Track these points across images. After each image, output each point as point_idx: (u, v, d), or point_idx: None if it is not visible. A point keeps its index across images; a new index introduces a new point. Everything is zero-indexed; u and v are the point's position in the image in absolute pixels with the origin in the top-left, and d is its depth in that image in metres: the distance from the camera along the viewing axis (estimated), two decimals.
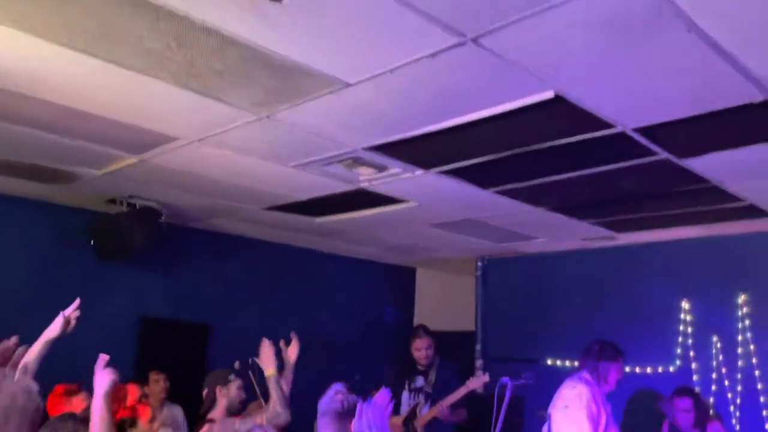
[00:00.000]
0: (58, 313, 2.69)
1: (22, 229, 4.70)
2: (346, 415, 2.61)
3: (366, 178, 3.75)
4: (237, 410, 3.46)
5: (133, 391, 3.64)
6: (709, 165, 3.24)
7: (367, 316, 6.78)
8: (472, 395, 4.50)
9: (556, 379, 5.28)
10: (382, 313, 6.95)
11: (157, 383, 4.31)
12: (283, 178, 3.79)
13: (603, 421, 3.41)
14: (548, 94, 2.45)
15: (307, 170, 3.63)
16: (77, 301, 2.61)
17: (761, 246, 4.63)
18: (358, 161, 3.43)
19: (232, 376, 3.53)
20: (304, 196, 4.24)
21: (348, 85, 2.46)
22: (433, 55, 2.20)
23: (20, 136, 3.27)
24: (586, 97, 2.49)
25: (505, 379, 3.29)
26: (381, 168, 3.54)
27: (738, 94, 2.35)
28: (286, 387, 3.67)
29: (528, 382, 3.36)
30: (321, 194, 4.15)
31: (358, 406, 2.23)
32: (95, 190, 4.31)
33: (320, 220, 4.96)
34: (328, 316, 6.29)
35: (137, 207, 4.47)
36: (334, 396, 2.64)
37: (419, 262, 6.97)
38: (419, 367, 4.72)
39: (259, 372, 3.58)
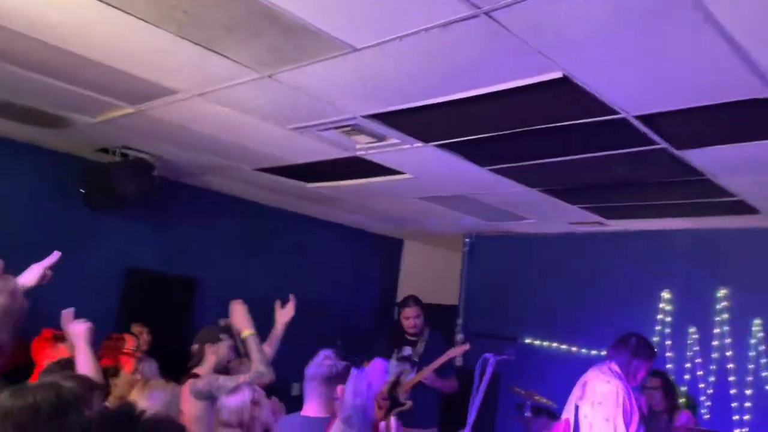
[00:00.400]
0: (44, 258, 2.65)
1: (11, 172, 4.63)
2: (333, 380, 2.65)
3: (363, 147, 3.73)
4: (223, 370, 3.49)
5: (130, 342, 3.66)
6: (706, 158, 3.26)
7: (353, 282, 6.82)
8: (458, 369, 4.58)
9: (532, 357, 5.42)
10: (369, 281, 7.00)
11: (140, 335, 4.32)
12: (279, 139, 3.76)
13: (635, 419, 3.42)
14: (556, 74, 2.44)
15: (305, 134, 3.60)
16: (56, 255, 2.55)
17: (745, 242, 4.70)
18: (356, 129, 3.40)
19: (224, 335, 3.54)
20: (298, 160, 4.22)
21: (355, 49, 2.43)
22: (444, 26, 2.18)
23: (16, 77, 3.21)
24: (593, 80, 2.48)
25: (487, 355, 3.34)
26: (380, 137, 3.52)
27: (744, 89, 2.36)
28: (270, 350, 3.69)
29: (510, 358, 3.41)
30: (316, 159, 4.13)
31: (352, 372, 2.25)
32: (88, 137, 4.25)
33: (312, 185, 4.94)
34: (313, 280, 6.32)
35: (130, 158, 4.42)
36: (322, 361, 2.67)
37: (408, 233, 7.00)
38: (408, 337, 4.78)
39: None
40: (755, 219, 4.38)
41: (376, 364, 2.34)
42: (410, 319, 4.73)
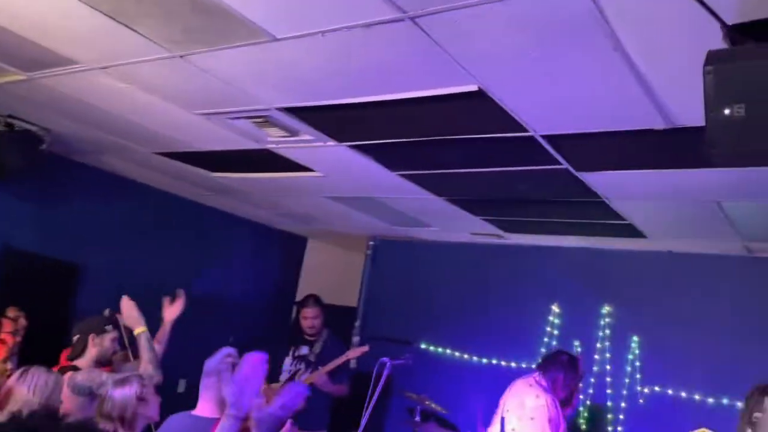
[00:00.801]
0: None
1: None
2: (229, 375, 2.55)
3: (275, 140, 3.64)
4: (106, 362, 3.28)
5: (6, 326, 3.36)
6: (603, 181, 3.43)
7: (252, 278, 6.65)
8: (353, 372, 4.56)
9: (427, 362, 5.51)
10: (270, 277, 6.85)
11: (17, 320, 3.98)
12: (185, 124, 3.59)
13: (561, 430, 3.50)
14: (472, 87, 2.48)
15: (213, 120, 3.46)
16: None
17: (629, 263, 5.00)
18: (269, 121, 3.31)
19: (109, 327, 3.33)
20: (204, 147, 4.05)
21: (275, 39, 2.35)
22: (367, 26, 2.15)
23: None
24: (507, 96, 2.54)
25: (384, 359, 3.35)
26: (293, 132, 3.44)
27: (644, 119, 2.50)
28: (159, 346, 3.51)
29: (407, 362, 3.44)
30: (223, 148, 3.99)
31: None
32: None
33: (217, 175, 4.77)
34: (210, 274, 6.10)
35: (15, 128, 4.08)
36: (223, 358, 2.56)
37: (312, 232, 6.93)
38: (306, 336, 4.71)
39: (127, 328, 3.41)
40: (641, 243, 4.68)
41: (253, 358, 2.28)
42: (308, 319, 4.67)
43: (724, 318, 4.53)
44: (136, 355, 3.36)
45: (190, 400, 2.72)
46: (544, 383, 3.59)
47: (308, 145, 3.60)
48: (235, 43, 2.45)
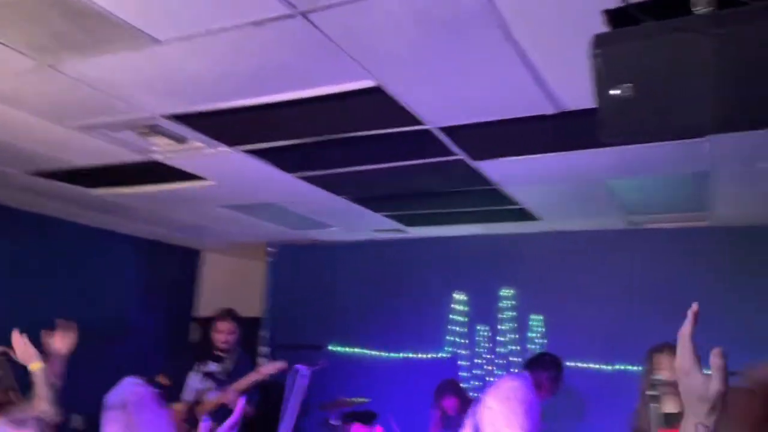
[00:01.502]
0: None
1: None
2: (137, 407, 2.38)
3: (161, 150, 3.43)
4: None
5: None
6: (497, 169, 3.54)
7: (145, 299, 6.28)
8: (265, 384, 4.37)
9: (339, 364, 5.45)
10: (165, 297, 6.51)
11: None
12: (60, 139, 3.31)
13: (536, 413, 3.47)
14: (368, 83, 2.45)
15: (92, 134, 3.21)
16: None
17: (526, 246, 5.22)
18: (154, 130, 3.11)
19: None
20: (82, 163, 3.75)
21: (156, 41, 2.20)
22: (258, 23, 2.06)
23: None
24: (403, 91, 2.54)
25: (298, 366, 3.26)
26: (180, 140, 3.26)
27: (534, 105, 2.59)
28: (57, 381, 3.20)
29: (323, 366, 3.37)
30: (104, 163, 3.71)
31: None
32: None
33: (99, 192, 4.44)
34: (98, 299, 5.70)
35: None
36: (131, 388, 2.39)
37: (207, 244, 6.65)
38: (216, 352, 4.42)
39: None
40: (536, 225, 4.89)
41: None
42: (223, 333, 4.38)
43: (614, 289, 4.84)
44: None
45: None
46: (529, 381, 3.62)
47: (198, 153, 3.43)
48: (111, 48, 2.28)
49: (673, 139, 2.90)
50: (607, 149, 3.06)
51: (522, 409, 3.34)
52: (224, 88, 2.57)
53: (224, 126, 3.04)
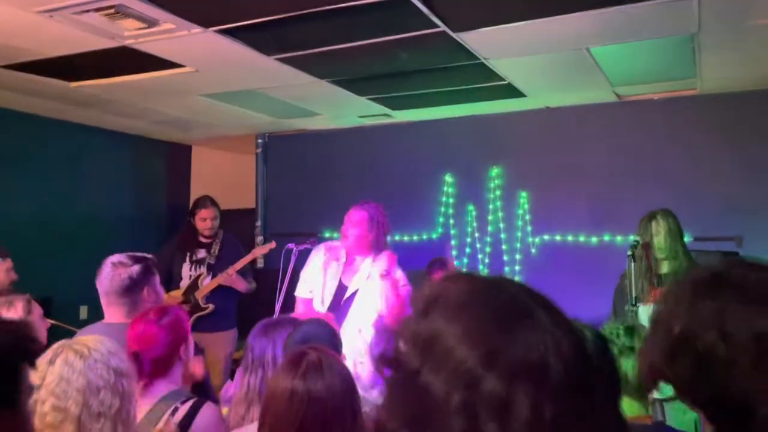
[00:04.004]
0: None
1: None
2: (133, 289, 2.43)
3: (132, 34, 3.32)
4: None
5: None
6: (479, 40, 3.44)
7: (139, 195, 6.34)
8: (260, 271, 4.55)
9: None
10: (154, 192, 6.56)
11: None
12: (25, 26, 3.19)
13: None
14: None
15: (56, 18, 3.09)
16: None
17: (513, 124, 5.19)
18: (122, 11, 3.00)
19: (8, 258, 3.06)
20: (52, 53, 3.64)
21: None
22: None
23: None
24: None
25: (290, 245, 3.36)
26: (151, 22, 3.15)
27: None
28: None
29: (312, 246, 3.46)
30: (75, 51, 3.60)
31: None
32: None
33: (77, 84, 4.35)
34: (91, 196, 5.74)
35: None
36: (113, 271, 2.42)
37: (195, 139, 6.61)
38: (202, 239, 4.61)
39: None
40: (522, 102, 4.83)
41: None
42: (207, 220, 4.56)
43: (600, 163, 4.87)
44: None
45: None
46: None
47: (171, 36, 3.32)
48: None
49: None
50: (590, 12, 2.96)
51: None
52: None
53: (194, 4, 2.92)
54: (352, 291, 3.30)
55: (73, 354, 1.55)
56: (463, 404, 0.62)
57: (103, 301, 2.49)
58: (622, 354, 1.81)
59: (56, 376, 1.50)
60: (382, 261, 3.28)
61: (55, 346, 1.59)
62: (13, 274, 3.65)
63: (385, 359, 0.70)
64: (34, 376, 1.24)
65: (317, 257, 3.41)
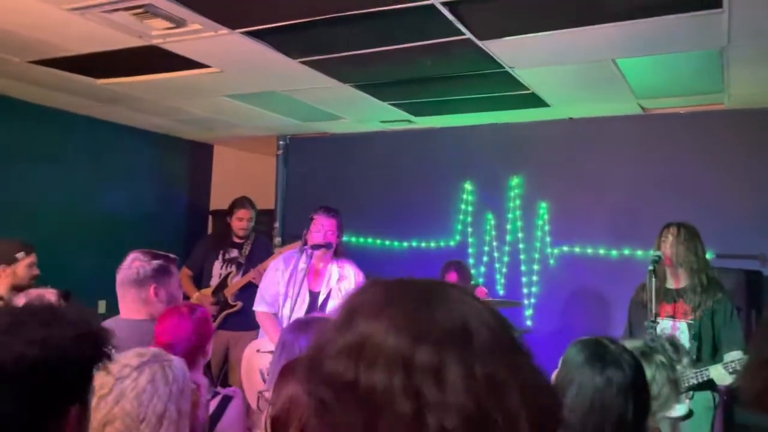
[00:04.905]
0: None
1: None
2: (143, 282, 2.48)
3: (160, 34, 3.36)
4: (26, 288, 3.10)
5: None
6: (505, 49, 3.43)
7: (161, 192, 6.40)
8: None
9: (350, 253, 5.59)
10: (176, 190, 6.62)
11: None
12: (56, 23, 3.25)
13: None
14: None
15: (87, 16, 3.14)
16: None
17: (535, 134, 5.16)
18: (151, 11, 3.04)
19: (21, 254, 3.11)
20: (82, 50, 3.70)
21: None
22: None
23: None
24: None
25: (306, 248, 3.38)
26: (179, 22, 3.18)
27: None
28: None
29: (329, 248, 3.48)
30: (104, 49, 3.66)
31: None
32: None
33: (104, 81, 4.41)
34: (114, 192, 5.81)
35: None
36: (130, 264, 2.48)
37: (218, 138, 6.67)
38: (235, 239, 4.73)
39: None
40: (545, 112, 4.80)
41: None
42: (243, 221, 4.73)
43: (623, 175, 4.82)
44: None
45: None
46: None
47: (198, 37, 3.36)
48: None
49: (687, 11, 2.78)
50: (617, 25, 2.94)
51: None
52: None
53: (221, 4, 2.95)
54: (325, 294, 3.49)
55: (161, 373, 1.58)
56: (404, 385, 0.67)
57: (118, 293, 2.53)
58: (663, 366, 1.84)
59: (139, 390, 1.52)
60: (349, 266, 3.64)
61: (147, 353, 1.63)
62: (35, 270, 3.65)
63: (319, 385, 0.72)
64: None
65: (275, 272, 3.60)
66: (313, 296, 3.51)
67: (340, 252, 3.62)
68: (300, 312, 3.41)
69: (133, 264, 2.46)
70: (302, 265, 3.47)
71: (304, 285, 3.45)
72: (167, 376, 1.59)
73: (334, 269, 3.58)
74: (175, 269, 2.58)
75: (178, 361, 1.68)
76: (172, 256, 2.59)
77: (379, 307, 0.74)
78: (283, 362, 2.11)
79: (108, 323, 2.44)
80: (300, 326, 2.17)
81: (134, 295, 2.46)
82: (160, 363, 1.63)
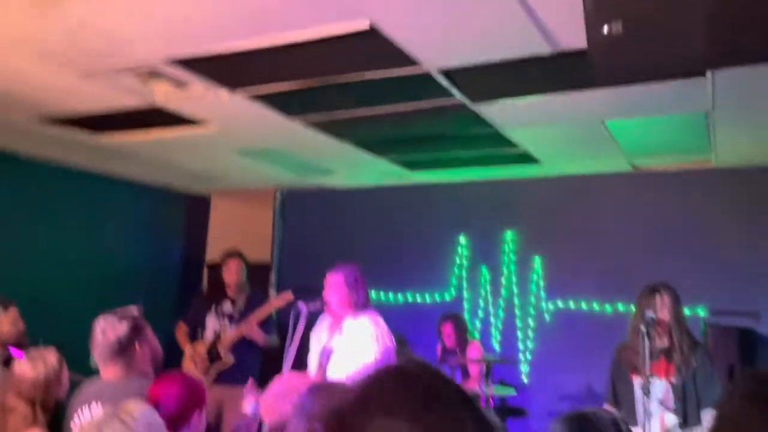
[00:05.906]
0: None
1: None
2: (125, 347, 2.42)
3: (163, 95, 3.46)
4: (15, 344, 3.09)
5: None
6: (496, 111, 3.54)
7: (157, 245, 6.42)
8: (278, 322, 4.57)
9: None
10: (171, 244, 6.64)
11: None
12: (63, 85, 3.34)
13: None
14: (363, 24, 2.45)
15: (94, 80, 3.24)
16: None
17: (529, 190, 5.25)
18: (155, 74, 3.14)
19: (12, 307, 3.11)
20: (85, 109, 3.79)
21: None
22: None
23: None
24: (399, 32, 2.53)
25: (299, 304, 3.37)
26: (181, 84, 3.28)
27: (530, 45, 2.57)
28: None
29: (322, 305, 3.47)
30: (107, 108, 3.75)
31: None
32: None
33: (106, 138, 4.49)
34: (110, 246, 5.83)
35: None
36: (104, 335, 2.40)
37: (215, 190, 6.73)
38: (228, 292, 4.68)
39: None
40: (537, 169, 4.90)
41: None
42: (234, 273, 4.66)
43: (615, 231, 4.88)
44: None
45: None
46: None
47: (200, 98, 3.45)
48: None
49: (672, 78, 2.89)
50: (606, 90, 3.05)
51: None
52: (219, 30, 2.58)
53: (224, 69, 3.05)
54: (330, 350, 3.48)
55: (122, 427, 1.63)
56: None
57: (98, 361, 2.48)
58: None
59: None
60: (362, 319, 3.43)
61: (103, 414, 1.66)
62: (21, 324, 3.56)
63: None
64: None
65: (312, 336, 3.62)
66: (322, 352, 3.49)
67: (361, 304, 3.48)
68: (311, 366, 3.51)
69: (106, 335, 2.41)
70: (321, 323, 3.59)
71: (316, 341, 3.54)
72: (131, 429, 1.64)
73: (346, 324, 3.47)
74: (143, 321, 2.54)
75: (141, 414, 1.72)
76: (132, 307, 2.56)
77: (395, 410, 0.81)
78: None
79: (94, 384, 2.44)
80: (311, 391, 2.15)
81: (119, 361, 2.43)
82: (121, 419, 1.68)
